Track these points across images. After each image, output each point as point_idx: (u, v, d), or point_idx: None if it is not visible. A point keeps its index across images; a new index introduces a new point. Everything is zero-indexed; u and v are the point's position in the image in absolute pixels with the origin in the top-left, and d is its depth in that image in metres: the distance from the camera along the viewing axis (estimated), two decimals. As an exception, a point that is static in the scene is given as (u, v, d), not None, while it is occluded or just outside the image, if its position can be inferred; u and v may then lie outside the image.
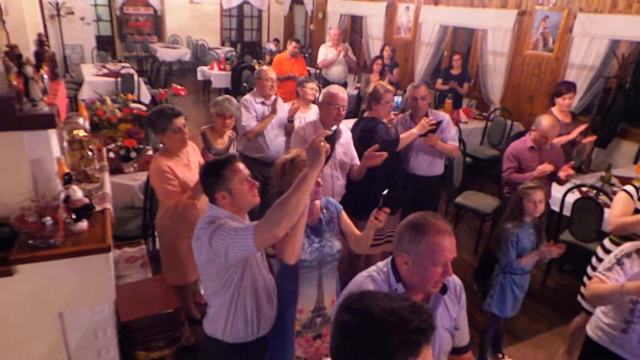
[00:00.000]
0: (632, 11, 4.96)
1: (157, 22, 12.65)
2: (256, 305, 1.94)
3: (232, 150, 3.41)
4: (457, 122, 5.66)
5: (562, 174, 3.17)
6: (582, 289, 2.80)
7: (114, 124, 4.09)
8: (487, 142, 6.14)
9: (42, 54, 2.67)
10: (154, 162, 2.67)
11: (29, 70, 2.07)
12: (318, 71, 7.24)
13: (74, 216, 2.12)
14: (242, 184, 1.85)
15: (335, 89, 3.00)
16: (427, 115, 3.40)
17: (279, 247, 1.93)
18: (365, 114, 3.43)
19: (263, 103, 3.78)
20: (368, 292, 1.06)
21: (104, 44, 10.85)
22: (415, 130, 3.27)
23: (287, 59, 5.98)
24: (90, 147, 2.87)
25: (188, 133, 2.76)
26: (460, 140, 4.49)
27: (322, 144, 1.61)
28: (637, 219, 2.45)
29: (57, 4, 9.21)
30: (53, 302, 2.09)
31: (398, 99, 5.40)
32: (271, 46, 11.61)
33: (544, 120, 3.18)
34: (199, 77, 9.32)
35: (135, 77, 7.32)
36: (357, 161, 3.06)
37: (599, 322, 2.13)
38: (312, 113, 3.96)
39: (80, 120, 2.96)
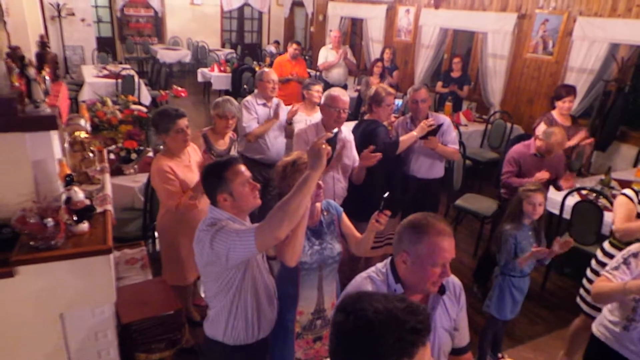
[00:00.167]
0: (632, 15, 4.98)
1: (157, 23, 12.67)
2: (257, 307, 1.94)
3: (233, 152, 3.41)
4: (457, 124, 5.67)
5: (564, 184, 3.18)
6: (581, 291, 2.80)
7: (114, 126, 4.10)
8: (487, 144, 6.16)
9: (44, 56, 2.67)
10: (156, 163, 2.68)
11: (32, 71, 2.08)
12: (318, 73, 7.25)
13: (75, 217, 2.13)
14: (243, 186, 1.86)
15: (336, 91, 3.01)
16: (427, 118, 3.41)
17: (280, 250, 1.93)
18: (366, 117, 3.44)
19: (264, 105, 3.79)
20: (364, 293, 1.07)
21: (105, 46, 10.86)
22: (415, 133, 3.28)
23: (288, 61, 5.99)
24: (91, 148, 2.88)
25: (190, 134, 2.78)
26: (461, 143, 4.50)
27: (324, 146, 1.62)
28: None
29: (58, 5, 9.22)
30: (54, 303, 2.09)
31: (398, 101, 5.41)
32: (271, 48, 11.63)
33: (555, 136, 3.16)
34: (200, 78, 9.33)
35: (136, 78, 7.33)
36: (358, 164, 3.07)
37: (604, 320, 2.17)
38: (318, 115, 3.96)
39: (82, 122, 2.97)
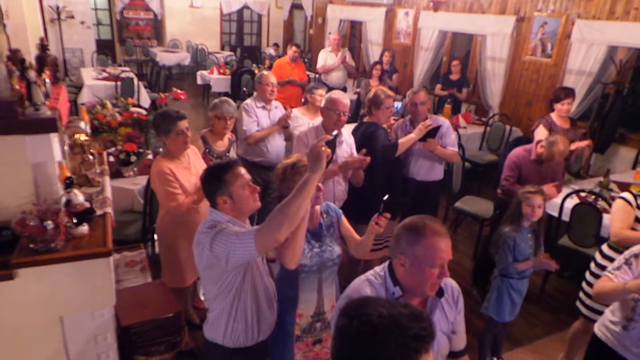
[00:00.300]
0: (630, 18, 5.00)
1: (157, 26, 12.69)
2: (257, 310, 1.94)
3: (232, 152, 3.42)
4: (456, 127, 5.68)
5: (547, 190, 3.09)
6: (580, 294, 2.80)
7: (114, 128, 4.11)
8: (486, 147, 6.17)
9: (44, 58, 2.68)
10: (156, 164, 2.69)
11: (32, 74, 2.08)
12: (318, 76, 7.26)
13: (75, 220, 2.13)
14: (243, 188, 1.86)
15: (336, 94, 3.02)
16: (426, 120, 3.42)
17: (280, 252, 1.93)
18: (365, 119, 3.45)
19: (264, 108, 3.80)
20: (368, 297, 1.07)
21: (104, 48, 10.87)
22: (413, 135, 3.29)
23: (287, 64, 6.01)
24: (91, 151, 2.88)
25: (190, 136, 2.79)
26: (460, 146, 4.51)
27: (323, 148, 1.62)
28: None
29: (58, 7, 9.24)
30: (54, 306, 2.09)
31: (398, 104, 5.42)
32: (271, 51, 11.66)
33: (557, 146, 3.16)
34: (199, 81, 9.34)
35: (135, 81, 7.34)
36: None
37: (605, 320, 2.19)
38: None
39: (82, 124, 2.97)
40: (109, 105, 4.40)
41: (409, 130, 3.48)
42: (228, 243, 1.70)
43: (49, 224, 1.96)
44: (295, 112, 3.97)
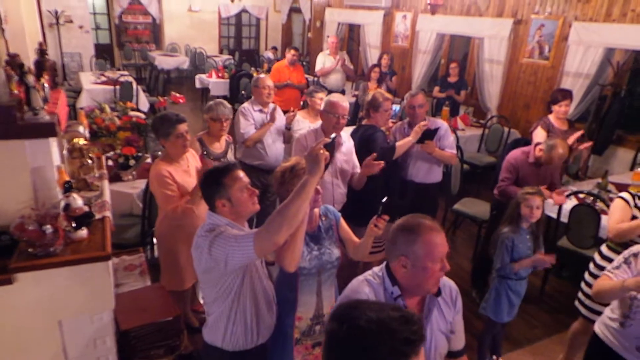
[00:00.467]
0: (627, 20, 5.03)
1: (155, 30, 12.72)
2: (256, 313, 1.94)
3: (230, 154, 3.42)
4: (454, 129, 5.69)
5: (556, 199, 3.17)
6: (580, 295, 2.80)
7: (112, 132, 4.11)
8: (485, 149, 6.18)
9: (42, 63, 2.68)
10: (154, 167, 2.69)
11: (30, 79, 2.09)
12: (316, 79, 7.28)
13: (73, 224, 2.13)
14: (241, 191, 1.86)
15: (335, 97, 3.03)
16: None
17: (279, 255, 1.94)
18: (364, 122, 3.46)
19: (261, 111, 3.80)
20: (359, 301, 1.08)
21: (103, 52, 10.89)
22: (410, 138, 3.30)
23: (286, 67, 6.02)
24: (89, 155, 2.88)
25: (189, 139, 2.79)
26: (458, 148, 4.52)
27: (322, 151, 1.63)
28: (635, 224, 2.48)
29: (56, 12, 9.26)
30: (53, 310, 2.09)
31: (396, 107, 5.44)
32: (269, 54, 11.68)
33: (556, 150, 3.16)
34: (197, 84, 9.36)
35: (134, 85, 7.35)
36: (358, 169, 3.07)
37: (605, 317, 2.22)
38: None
39: (80, 129, 2.98)
40: (108, 109, 4.40)
41: (407, 132, 3.49)
42: (227, 246, 1.70)
43: (48, 228, 1.96)
44: (296, 115, 3.97)
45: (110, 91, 7.18)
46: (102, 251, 2.10)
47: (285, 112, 4.01)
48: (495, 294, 2.72)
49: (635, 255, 2.05)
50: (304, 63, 10.09)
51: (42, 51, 2.78)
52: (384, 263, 1.57)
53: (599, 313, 2.35)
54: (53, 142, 2.28)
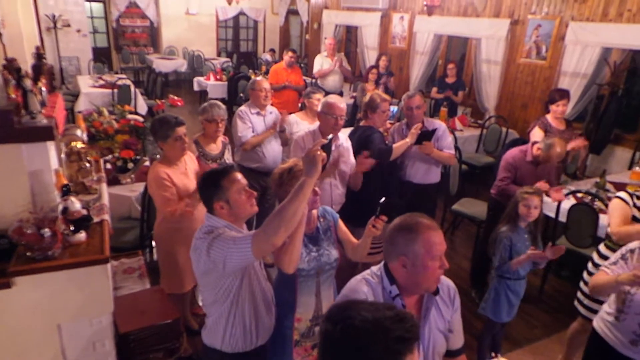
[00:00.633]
0: (623, 19, 5.04)
1: (153, 33, 12.72)
2: (255, 315, 1.94)
3: (227, 155, 3.42)
4: (452, 130, 5.70)
5: (553, 196, 3.20)
6: (578, 294, 2.81)
7: (111, 135, 4.11)
8: (483, 149, 6.19)
9: (40, 67, 2.69)
10: (152, 170, 2.70)
11: (28, 83, 2.09)
12: (314, 81, 7.29)
13: (72, 227, 2.13)
14: (239, 193, 1.86)
15: (333, 99, 3.03)
16: (422, 123, 3.44)
17: (278, 257, 1.94)
18: (362, 123, 3.47)
19: (258, 114, 3.80)
20: (353, 301, 1.08)
21: (101, 56, 10.89)
22: (408, 140, 3.30)
23: (284, 69, 6.03)
24: (87, 158, 2.88)
25: (188, 142, 2.80)
26: (456, 148, 4.52)
27: (319, 152, 1.63)
28: (638, 228, 2.48)
29: (54, 16, 9.26)
30: (51, 313, 2.09)
31: (394, 108, 5.45)
32: (267, 56, 11.70)
33: (554, 149, 3.18)
34: (196, 87, 9.37)
35: (132, 88, 7.35)
36: None
37: (602, 312, 2.25)
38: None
39: (78, 132, 2.98)
40: (106, 112, 4.40)
41: (405, 133, 3.49)
42: (225, 248, 1.70)
43: (46, 232, 1.96)
44: (294, 117, 3.97)
45: (108, 94, 7.18)
46: (100, 254, 2.10)
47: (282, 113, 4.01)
48: (494, 294, 2.72)
49: (632, 251, 2.07)
50: (302, 65, 10.10)
51: (39, 55, 2.78)
52: (382, 262, 1.58)
53: (598, 312, 2.35)
54: (51, 146, 2.28)
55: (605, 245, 2.71)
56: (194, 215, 2.70)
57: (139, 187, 3.63)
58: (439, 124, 3.59)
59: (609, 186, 3.95)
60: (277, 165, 2.79)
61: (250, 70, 9.55)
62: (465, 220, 4.55)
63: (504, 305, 2.70)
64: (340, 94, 6.94)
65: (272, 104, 4.07)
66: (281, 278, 2.13)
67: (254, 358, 2.01)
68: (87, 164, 2.84)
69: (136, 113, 5.86)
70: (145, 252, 3.54)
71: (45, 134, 2.09)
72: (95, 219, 2.37)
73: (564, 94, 4.02)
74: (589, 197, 3.65)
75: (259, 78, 3.96)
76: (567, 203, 3.60)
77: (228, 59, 12.21)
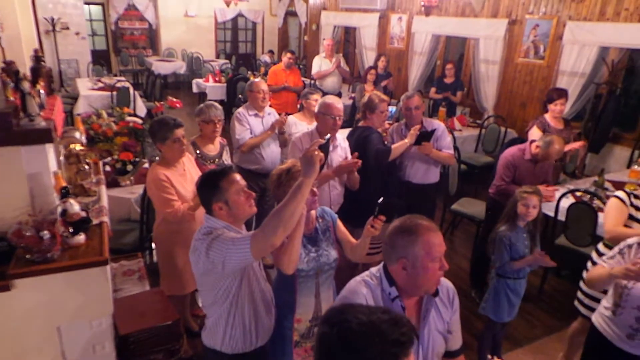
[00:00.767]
0: (620, 19, 5.05)
1: (152, 35, 12.73)
2: (254, 316, 1.94)
3: (226, 156, 3.42)
4: (451, 130, 5.71)
5: (545, 196, 3.19)
6: (578, 294, 2.81)
7: (110, 138, 4.11)
8: (482, 149, 6.19)
9: (38, 70, 2.69)
10: (151, 171, 2.70)
11: (26, 85, 2.10)
12: (313, 82, 7.30)
13: (71, 230, 2.13)
14: (238, 194, 1.87)
15: (330, 99, 3.04)
16: (421, 124, 3.44)
17: (277, 257, 1.94)
18: (360, 124, 3.47)
19: (256, 115, 3.80)
20: (349, 305, 1.09)
21: (100, 58, 10.90)
22: (407, 141, 3.30)
23: (282, 70, 6.04)
24: (86, 160, 2.89)
25: (186, 144, 2.80)
26: (455, 148, 4.53)
27: (316, 153, 1.64)
28: (632, 232, 2.47)
29: (53, 19, 9.27)
30: (51, 316, 2.09)
31: (392, 108, 5.45)
32: (266, 58, 11.70)
33: (553, 146, 3.19)
34: (194, 89, 9.37)
35: (131, 90, 7.36)
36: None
37: (601, 307, 2.27)
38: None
39: (77, 135, 2.98)
40: (105, 115, 4.40)
41: (404, 134, 3.49)
42: (224, 249, 1.70)
43: (45, 234, 1.97)
44: (293, 119, 3.97)
45: (107, 97, 7.18)
46: (99, 256, 2.11)
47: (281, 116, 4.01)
48: (494, 294, 2.72)
49: (629, 246, 2.09)
50: (301, 66, 10.11)
51: (37, 58, 2.79)
52: (382, 263, 1.58)
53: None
54: (49, 148, 2.29)
55: (604, 244, 2.71)
56: (193, 216, 2.71)
57: (138, 189, 3.64)
58: (438, 124, 3.59)
59: (607, 185, 3.95)
60: (276, 167, 2.80)
61: (249, 72, 9.56)
62: (465, 220, 4.55)
63: (504, 304, 2.70)
64: (339, 94, 6.95)
65: (270, 106, 4.08)
66: (281, 279, 2.13)
67: (253, 359, 2.01)
68: (86, 166, 2.84)
69: (135, 115, 5.86)
70: (145, 254, 3.54)
71: (43, 136, 2.09)
72: (95, 221, 2.37)
73: (562, 93, 4.03)
74: (588, 196, 3.65)
75: (256, 79, 3.96)
76: (566, 202, 3.60)
77: (227, 61, 12.22)
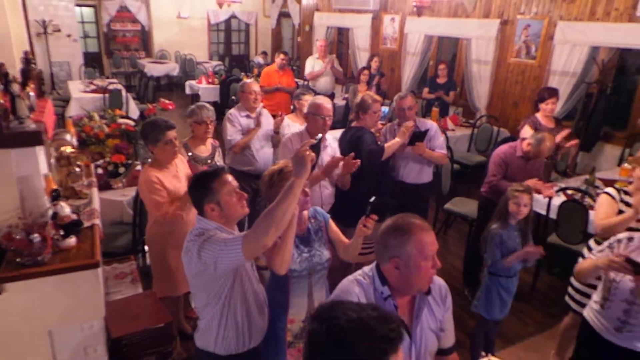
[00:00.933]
0: (610, 18, 5.10)
1: (144, 37, 12.68)
2: (247, 316, 1.94)
3: (218, 157, 3.41)
4: (444, 130, 5.73)
5: (545, 192, 3.26)
6: (569, 290, 2.83)
7: (102, 140, 4.09)
8: (474, 148, 6.23)
9: (28, 72, 2.67)
10: (143, 173, 2.70)
11: (16, 88, 2.08)
12: (306, 83, 7.30)
13: (62, 232, 2.12)
14: (230, 195, 1.87)
15: (319, 99, 3.04)
16: (414, 124, 3.45)
17: (269, 258, 1.94)
18: (353, 124, 3.48)
19: (248, 116, 3.79)
20: (339, 302, 1.09)
21: (92, 61, 10.84)
22: (398, 139, 3.31)
23: (276, 71, 6.03)
24: (77, 163, 2.87)
25: (178, 146, 2.79)
26: (448, 148, 4.55)
27: (308, 152, 1.64)
28: (621, 219, 2.51)
29: (44, 21, 9.20)
30: (42, 320, 2.07)
31: (385, 108, 5.46)
32: (259, 59, 11.69)
33: (544, 143, 3.22)
34: (187, 91, 9.35)
35: (124, 92, 7.32)
36: None
37: (591, 301, 2.31)
38: None
39: (68, 137, 2.97)
40: (97, 117, 4.38)
41: (397, 134, 3.50)
42: (216, 250, 1.70)
43: (36, 237, 1.95)
44: (286, 119, 3.97)
45: (99, 99, 7.15)
46: (91, 259, 2.10)
47: (274, 117, 4.01)
48: (486, 292, 2.74)
49: (619, 240, 2.13)
50: (294, 67, 10.11)
51: (27, 60, 2.77)
52: (374, 262, 1.58)
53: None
54: (40, 151, 2.27)
55: (595, 240, 2.74)
56: (185, 218, 2.70)
57: (131, 191, 3.62)
58: (431, 124, 3.61)
59: (598, 183, 3.98)
60: (268, 168, 2.80)
61: (243, 73, 9.55)
62: (458, 219, 4.57)
63: (495, 302, 2.72)
64: (332, 95, 6.96)
65: (264, 107, 4.07)
66: (274, 279, 2.13)
67: (247, 359, 2.01)
68: (77, 169, 2.83)
69: (128, 117, 5.84)
70: (138, 257, 3.52)
71: (33, 138, 2.08)
72: (86, 224, 2.35)
73: (553, 93, 4.06)
74: (579, 194, 3.68)
75: (248, 81, 3.95)
76: (558, 200, 3.63)
77: (220, 63, 12.19)
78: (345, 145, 3.24)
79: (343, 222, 2.45)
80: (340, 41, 10.39)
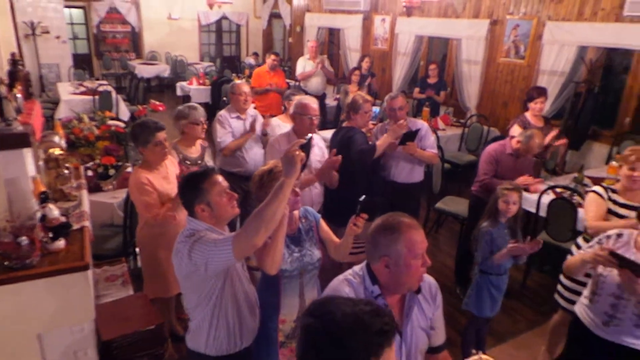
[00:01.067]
0: (598, 18, 5.16)
1: (134, 38, 12.61)
2: (238, 317, 1.94)
3: (207, 158, 3.40)
4: (435, 129, 5.76)
5: (532, 189, 3.30)
6: (558, 287, 2.86)
7: (91, 142, 4.06)
8: (465, 148, 6.27)
9: (15, 73, 2.65)
10: (133, 175, 2.69)
11: (2, 89, 2.06)
12: (297, 83, 7.31)
13: (50, 235, 2.11)
14: (220, 196, 1.87)
15: (306, 99, 3.05)
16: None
17: (260, 258, 1.94)
18: (345, 124, 3.49)
19: (238, 118, 3.78)
20: (332, 297, 1.10)
21: (81, 62, 10.75)
22: (388, 138, 3.30)
23: (267, 72, 6.03)
24: (66, 165, 2.85)
25: (168, 147, 2.78)
26: (439, 147, 4.57)
27: (297, 152, 1.64)
28: (614, 225, 2.53)
29: (32, 23, 9.12)
30: (31, 323, 2.05)
31: (376, 109, 5.48)
32: (250, 60, 11.67)
33: (534, 140, 3.26)
34: (178, 92, 9.30)
35: (113, 94, 7.28)
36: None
37: (582, 297, 2.35)
38: None
39: (56, 139, 2.94)
40: (86, 119, 4.36)
41: (389, 133, 3.51)
42: (206, 251, 1.70)
43: (24, 240, 1.94)
44: (276, 120, 3.96)
45: (89, 101, 7.09)
46: (80, 261, 2.08)
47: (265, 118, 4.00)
48: (477, 289, 2.76)
49: (608, 237, 2.17)
50: (285, 68, 10.11)
51: (14, 61, 2.75)
52: (365, 262, 1.59)
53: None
54: (27, 153, 2.25)
55: (584, 238, 2.77)
56: (176, 219, 2.69)
57: (121, 193, 3.60)
58: (422, 124, 3.62)
59: (587, 181, 4.02)
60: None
61: (234, 74, 9.53)
62: (449, 218, 4.60)
63: (486, 300, 2.74)
64: (324, 96, 6.97)
65: (255, 107, 4.06)
66: (265, 280, 2.13)
67: (238, 360, 2.01)
68: (66, 171, 2.81)
69: (118, 119, 5.81)
70: (129, 259, 3.50)
71: (20, 141, 2.06)
72: (75, 226, 2.34)
73: (542, 92, 4.10)
74: (568, 192, 3.71)
75: (238, 82, 3.94)
76: (547, 198, 3.66)
77: (211, 64, 12.15)
78: (337, 145, 3.25)
79: (334, 222, 2.45)
80: (331, 42, 10.41)
